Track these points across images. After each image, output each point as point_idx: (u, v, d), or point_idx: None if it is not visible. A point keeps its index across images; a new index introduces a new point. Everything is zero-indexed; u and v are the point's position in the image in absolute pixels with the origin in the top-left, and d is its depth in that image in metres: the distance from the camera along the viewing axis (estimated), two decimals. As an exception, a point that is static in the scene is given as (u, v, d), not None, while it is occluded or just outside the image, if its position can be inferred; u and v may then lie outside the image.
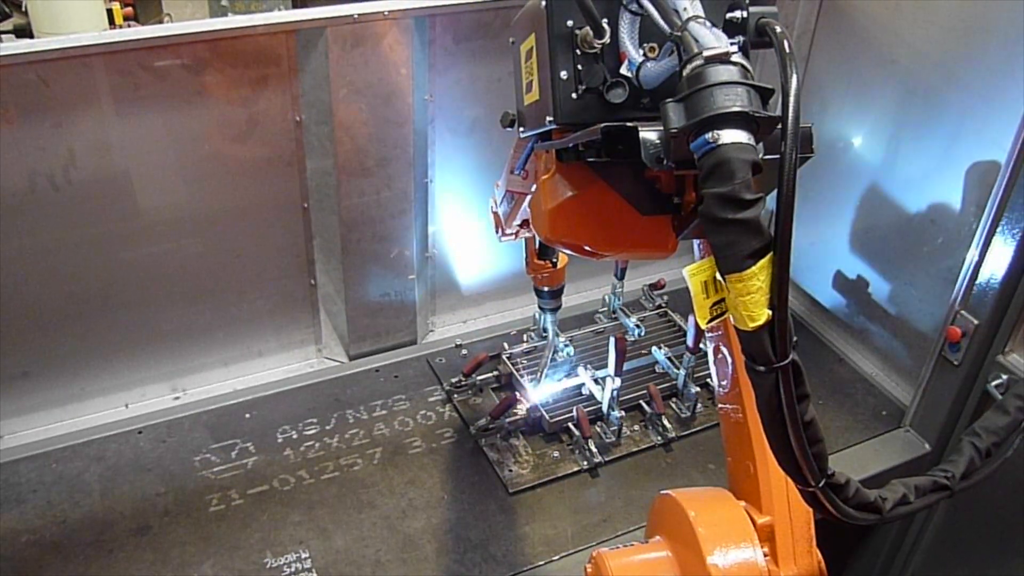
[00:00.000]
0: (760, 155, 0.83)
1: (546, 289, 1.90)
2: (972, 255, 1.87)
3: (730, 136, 0.81)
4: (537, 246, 1.82)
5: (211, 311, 2.12)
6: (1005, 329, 1.88)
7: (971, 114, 1.89)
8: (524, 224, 1.63)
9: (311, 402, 2.14)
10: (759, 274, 0.82)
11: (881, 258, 2.21)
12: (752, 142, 0.82)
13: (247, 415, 2.09)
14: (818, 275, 2.44)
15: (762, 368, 0.86)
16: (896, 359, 2.22)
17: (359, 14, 1.84)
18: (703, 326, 0.94)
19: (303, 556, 1.73)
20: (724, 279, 0.85)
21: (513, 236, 1.74)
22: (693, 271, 0.92)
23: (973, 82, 1.88)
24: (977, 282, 1.88)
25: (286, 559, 1.72)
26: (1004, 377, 1.89)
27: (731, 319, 0.88)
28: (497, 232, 1.78)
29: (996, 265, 1.83)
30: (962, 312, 1.91)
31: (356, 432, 2.05)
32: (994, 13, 1.80)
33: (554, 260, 1.84)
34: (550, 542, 1.79)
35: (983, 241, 1.84)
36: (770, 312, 0.83)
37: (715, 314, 0.92)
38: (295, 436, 2.03)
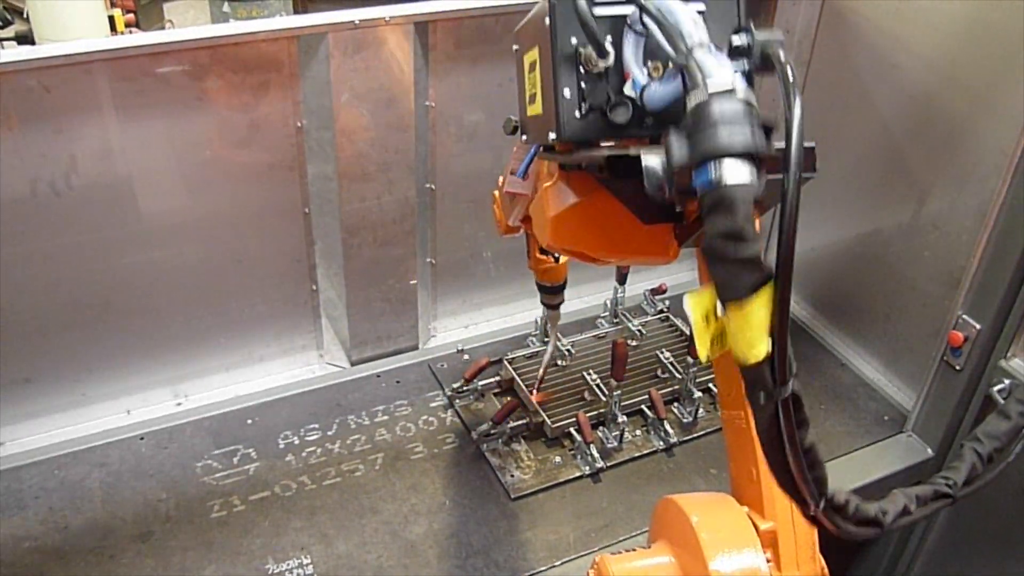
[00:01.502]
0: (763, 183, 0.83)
1: (548, 284, 1.90)
2: (974, 259, 1.87)
3: (733, 176, 0.81)
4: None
5: (212, 316, 2.12)
6: (1007, 334, 1.88)
7: (972, 118, 1.89)
8: (526, 220, 1.62)
9: (313, 407, 2.14)
10: (760, 305, 0.82)
11: (882, 262, 2.21)
12: (755, 179, 0.82)
13: (249, 421, 2.09)
14: (820, 279, 2.44)
15: (762, 398, 0.86)
16: (898, 364, 2.22)
17: (360, 20, 1.84)
18: (703, 360, 0.93)
19: (305, 562, 1.73)
20: (725, 309, 0.85)
21: (516, 231, 1.74)
22: (694, 301, 0.91)
23: (974, 86, 1.88)
24: (979, 286, 1.88)
25: (288, 565, 1.72)
26: (1006, 382, 1.89)
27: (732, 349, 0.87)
28: (498, 227, 1.78)
29: (998, 269, 1.83)
30: (964, 317, 1.91)
31: (358, 438, 2.05)
32: (995, 17, 1.80)
33: (556, 255, 1.84)
34: (552, 547, 1.78)
35: (985, 245, 1.84)
36: (771, 342, 0.83)
37: (716, 346, 0.91)
38: (297, 442, 2.03)
